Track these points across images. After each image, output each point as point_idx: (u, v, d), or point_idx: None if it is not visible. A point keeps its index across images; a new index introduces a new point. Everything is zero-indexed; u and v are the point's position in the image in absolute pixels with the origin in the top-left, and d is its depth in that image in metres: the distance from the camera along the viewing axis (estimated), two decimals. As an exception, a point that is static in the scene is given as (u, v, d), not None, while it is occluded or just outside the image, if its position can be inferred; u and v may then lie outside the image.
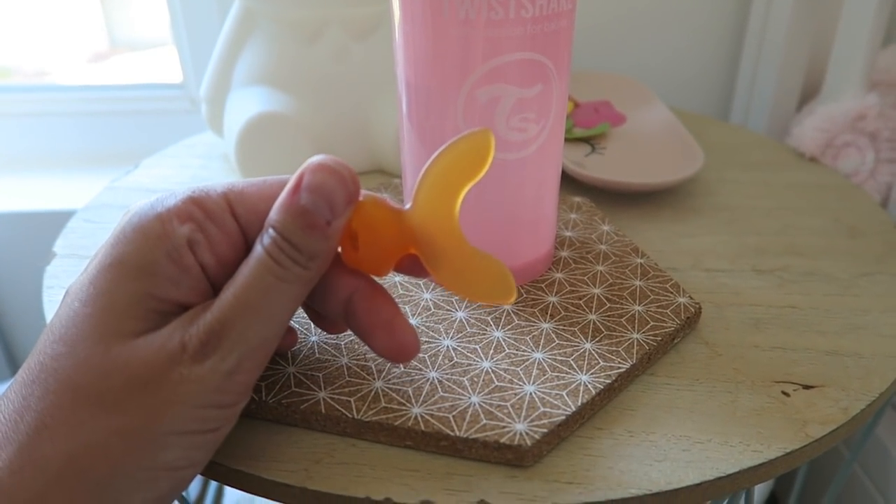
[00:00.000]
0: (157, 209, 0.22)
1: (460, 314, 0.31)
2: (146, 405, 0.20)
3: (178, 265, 0.21)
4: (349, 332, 0.29)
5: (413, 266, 0.25)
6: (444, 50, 0.27)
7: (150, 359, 0.20)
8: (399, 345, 0.24)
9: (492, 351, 0.28)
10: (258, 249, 0.21)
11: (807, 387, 0.28)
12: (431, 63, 0.28)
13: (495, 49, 0.27)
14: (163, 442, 0.20)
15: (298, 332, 0.29)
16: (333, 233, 0.22)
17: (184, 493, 0.58)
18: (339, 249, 0.24)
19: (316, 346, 0.29)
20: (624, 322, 0.30)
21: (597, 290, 0.32)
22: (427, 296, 0.32)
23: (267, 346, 0.22)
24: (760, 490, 0.56)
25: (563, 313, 0.31)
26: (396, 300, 0.31)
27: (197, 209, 0.22)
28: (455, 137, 0.23)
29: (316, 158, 0.22)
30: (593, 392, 0.26)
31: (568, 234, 0.37)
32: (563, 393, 0.26)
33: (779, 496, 0.64)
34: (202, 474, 0.25)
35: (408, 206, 0.24)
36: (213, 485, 0.64)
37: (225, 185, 0.23)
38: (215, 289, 0.22)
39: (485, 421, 0.25)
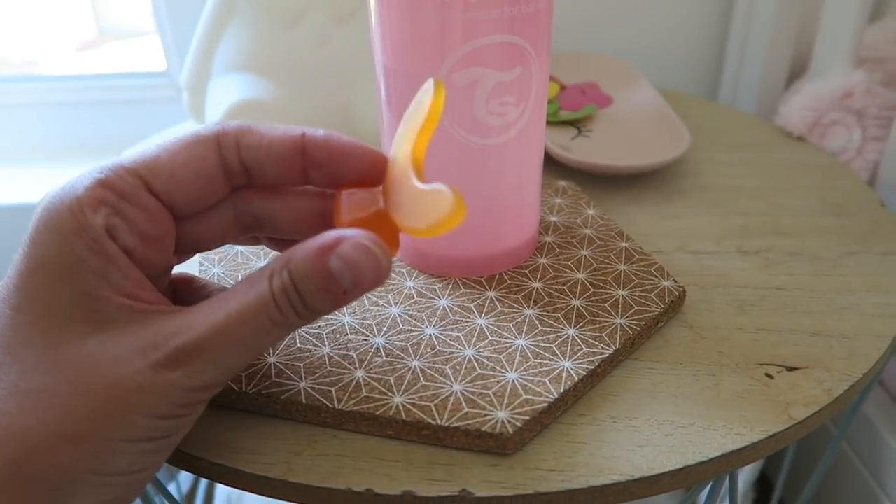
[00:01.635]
0: (66, 200, 0.20)
1: (443, 302, 0.30)
2: (97, 412, 0.19)
3: (101, 256, 0.20)
4: (331, 321, 0.29)
5: None
6: (421, 33, 0.27)
7: (102, 364, 0.19)
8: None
9: (475, 338, 0.28)
10: (264, 287, 0.20)
11: (790, 368, 0.28)
12: (409, 47, 0.27)
13: (472, 32, 0.26)
14: (115, 448, 0.19)
15: None
16: (343, 302, 0.21)
17: (175, 487, 0.58)
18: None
19: (297, 336, 0.28)
20: (608, 307, 0.30)
21: (581, 276, 0.32)
22: (410, 284, 0.32)
23: (236, 371, 0.21)
24: (750, 468, 0.56)
25: (546, 299, 0.31)
26: (378, 288, 0.31)
27: (109, 192, 0.21)
28: (421, 105, 0.22)
29: (361, 235, 0.21)
30: (576, 378, 0.26)
31: (553, 218, 0.37)
32: (546, 380, 0.26)
33: (769, 474, 0.64)
34: (188, 470, 0.24)
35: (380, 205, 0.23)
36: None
37: (134, 159, 0.22)
38: (144, 269, 0.21)
39: (466, 409, 0.25)
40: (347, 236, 0.21)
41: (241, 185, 0.24)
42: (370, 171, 0.24)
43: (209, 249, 0.25)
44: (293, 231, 0.25)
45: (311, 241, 0.21)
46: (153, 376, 0.19)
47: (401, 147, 0.23)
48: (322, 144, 0.23)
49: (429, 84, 0.22)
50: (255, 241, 0.27)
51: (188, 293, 0.26)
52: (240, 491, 0.61)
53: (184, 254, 0.25)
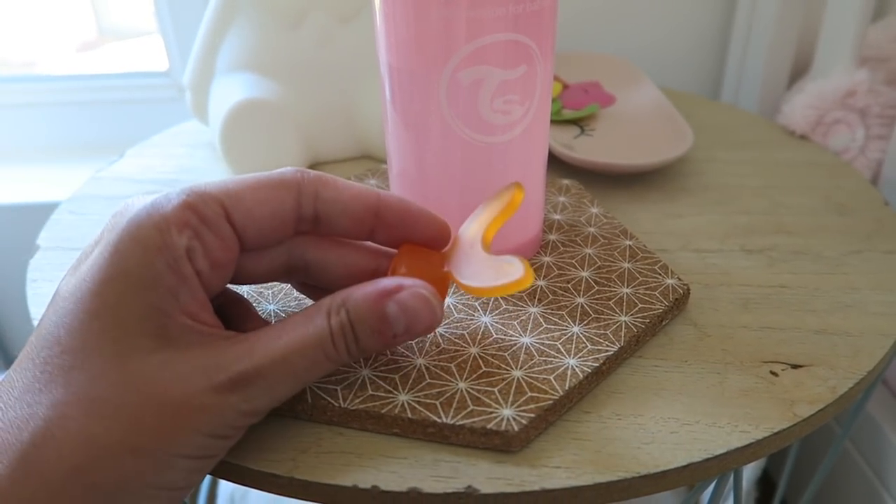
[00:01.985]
0: (154, 217, 0.21)
1: (449, 300, 0.30)
2: (161, 426, 0.20)
3: (177, 276, 0.21)
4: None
5: None
6: (426, 32, 0.27)
7: (170, 381, 0.20)
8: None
9: (479, 336, 0.28)
10: (322, 323, 0.22)
11: (795, 366, 0.28)
12: (413, 45, 0.27)
13: (478, 30, 0.27)
14: (171, 463, 0.20)
15: None
16: (393, 345, 0.23)
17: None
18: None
19: (302, 335, 0.28)
20: (612, 305, 0.30)
21: (585, 273, 0.32)
22: (414, 282, 0.32)
23: (284, 399, 0.22)
24: (753, 467, 0.56)
25: (550, 297, 0.31)
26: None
27: (193, 216, 0.21)
28: (496, 201, 0.26)
29: (420, 284, 0.23)
30: (581, 376, 0.26)
31: (556, 217, 0.37)
32: (551, 377, 0.26)
33: (771, 472, 0.64)
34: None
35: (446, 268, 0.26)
36: (207, 477, 0.64)
37: (219, 187, 0.23)
38: (207, 291, 0.22)
39: (472, 407, 0.25)
40: (407, 284, 0.23)
41: (306, 231, 0.25)
42: (435, 238, 0.26)
43: (253, 284, 0.26)
44: (339, 283, 0.26)
45: (371, 285, 0.23)
46: (215, 397, 0.20)
47: (470, 226, 0.26)
48: (395, 209, 0.25)
49: (506, 188, 0.26)
50: (285, 279, 0.27)
51: (231, 312, 0.26)
52: (243, 489, 0.61)
53: (233, 284, 0.25)
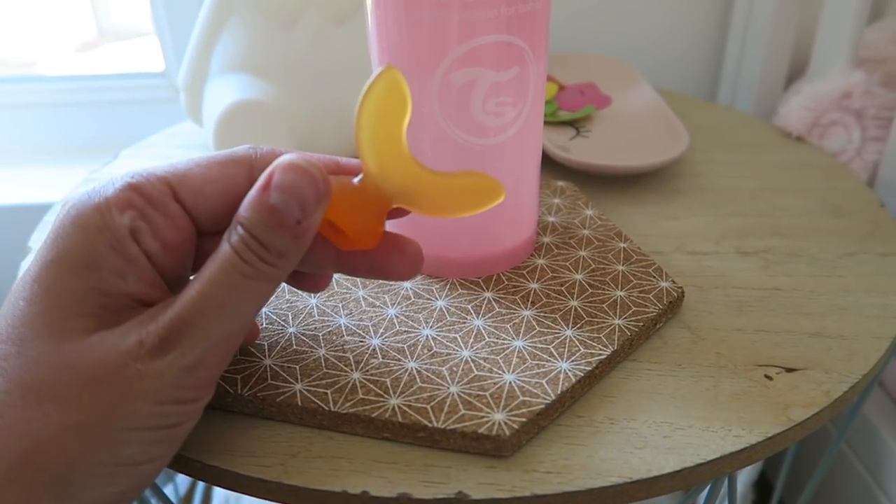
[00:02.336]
0: (95, 199, 0.21)
1: (440, 303, 0.30)
2: (101, 401, 0.19)
3: (122, 256, 0.21)
4: (327, 322, 0.29)
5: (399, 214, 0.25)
6: (418, 33, 0.27)
7: (104, 355, 0.20)
8: (412, 257, 0.25)
9: (472, 340, 0.28)
10: (225, 246, 0.21)
11: (789, 370, 0.28)
12: (405, 47, 0.27)
13: (469, 32, 0.26)
14: (120, 438, 0.20)
15: (276, 324, 0.29)
16: (304, 231, 0.21)
17: (172, 490, 0.58)
18: (326, 237, 0.24)
19: (293, 338, 0.28)
20: (606, 308, 0.30)
21: (579, 276, 0.32)
22: (407, 285, 0.31)
23: (231, 341, 0.21)
24: (749, 470, 0.56)
25: (544, 300, 0.30)
26: (375, 289, 0.31)
27: (137, 196, 0.21)
28: (363, 88, 0.22)
29: (286, 157, 0.21)
30: (573, 380, 0.26)
31: (551, 219, 0.36)
32: (543, 381, 0.26)
33: (768, 475, 0.64)
34: (183, 472, 0.24)
35: (359, 177, 0.23)
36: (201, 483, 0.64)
37: (166, 168, 0.22)
38: (163, 275, 0.22)
39: (463, 411, 0.25)
40: (276, 165, 0.21)
41: None
42: None
43: None
44: (313, 263, 0.25)
45: (252, 189, 0.21)
46: (149, 361, 0.20)
47: (382, 148, 0.23)
48: (356, 172, 0.24)
49: (376, 77, 0.22)
50: None
51: None
52: (238, 494, 0.61)
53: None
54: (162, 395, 0.20)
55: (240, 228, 0.21)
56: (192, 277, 0.22)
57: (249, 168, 0.23)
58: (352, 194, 0.23)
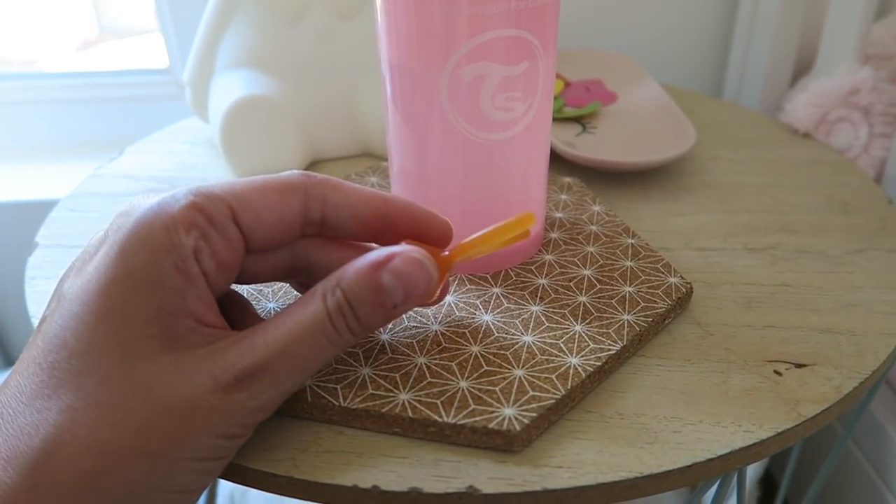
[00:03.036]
0: (162, 217, 0.21)
1: (449, 298, 0.30)
2: (170, 429, 0.20)
3: (184, 276, 0.21)
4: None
5: None
6: (427, 28, 0.27)
7: (177, 384, 0.20)
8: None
9: (480, 335, 0.28)
10: (319, 306, 0.22)
11: (799, 365, 0.28)
12: (414, 42, 0.27)
13: (479, 26, 0.26)
14: (181, 466, 0.20)
15: None
16: (396, 315, 0.23)
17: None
18: None
19: (302, 334, 0.28)
20: (614, 303, 0.30)
21: (587, 272, 0.32)
22: (415, 280, 0.31)
23: (293, 391, 0.22)
24: (754, 467, 0.56)
25: (552, 296, 0.30)
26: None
27: (200, 216, 0.21)
28: (507, 221, 0.26)
29: (412, 249, 0.23)
30: (583, 375, 0.26)
31: (558, 215, 0.36)
32: (553, 376, 0.26)
33: (773, 472, 0.64)
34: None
35: (445, 253, 0.26)
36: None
37: (226, 189, 0.22)
38: (213, 292, 0.22)
39: (473, 406, 0.25)
40: (398, 252, 0.22)
41: (312, 234, 0.25)
42: (439, 238, 0.26)
43: (254, 283, 0.26)
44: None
45: (362, 260, 0.22)
46: (222, 397, 0.20)
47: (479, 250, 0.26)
48: (402, 211, 0.25)
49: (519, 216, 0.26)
50: (287, 279, 0.27)
51: (230, 311, 0.26)
52: (243, 488, 0.61)
53: (237, 284, 0.25)
54: (225, 430, 0.20)
55: (339, 293, 0.22)
56: (253, 312, 0.24)
57: (304, 196, 0.24)
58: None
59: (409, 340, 0.28)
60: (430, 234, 0.26)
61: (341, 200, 0.24)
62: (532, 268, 0.32)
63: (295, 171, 0.24)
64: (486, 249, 0.26)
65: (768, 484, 0.64)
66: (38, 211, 0.65)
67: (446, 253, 0.26)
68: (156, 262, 0.20)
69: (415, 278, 0.22)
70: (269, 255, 0.25)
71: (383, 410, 0.25)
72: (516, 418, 0.24)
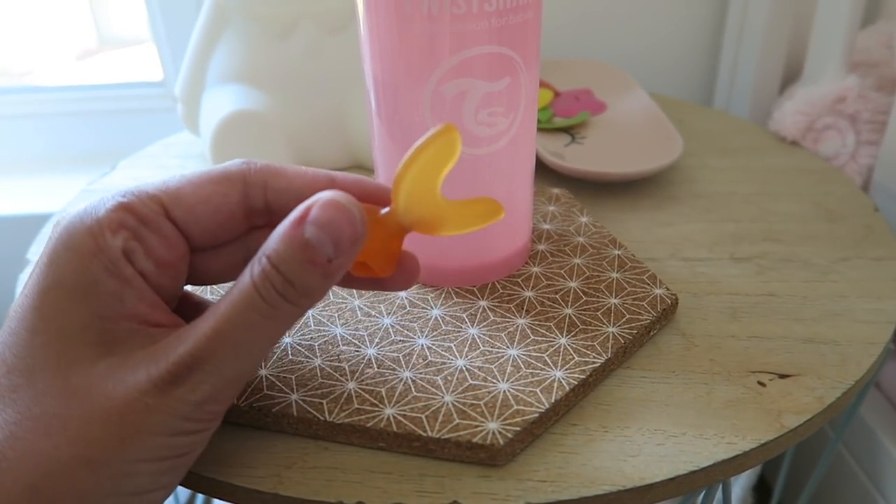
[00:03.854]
0: (87, 222, 0.21)
1: (436, 312, 0.30)
2: (111, 435, 0.19)
3: (118, 279, 0.21)
4: (323, 332, 0.29)
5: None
6: (409, 45, 0.27)
7: (113, 388, 0.20)
8: (409, 270, 0.25)
9: (466, 349, 0.28)
10: (246, 281, 0.20)
11: (783, 376, 0.28)
12: (397, 58, 0.27)
13: (460, 43, 0.27)
14: (131, 470, 0.20)
15: None
16: (334, 271, 0.21)
17: (172, 500, 0.58)
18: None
19: (289, 348, 0.28)
20: (600, 315, 0.30)
21: (573, 284, 0.32)
22: (402, 294, 0.32)
23: (243, 377, 0.21)
24: (748, 474, 0.56)
25: (539, 308, 0.31)
26: (371, 299, 0.31)
27: (129, 216, 0.21)
28: (422, 139, 0.22)
29: (326, 194, 0.20)
30: (567, 388, 0.26)
31: (546, 226, 0.37)
32: (537, 390, 0.26)
33: (767, 476, 0.64)
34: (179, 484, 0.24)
35: (386, 210, 0.23)
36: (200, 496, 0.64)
37: (157, 186, 0.22)
38: (159, 293, 0.22)
39: (458, 420, 0.25)
40: (314, 201, 0.20)
41: (261, 224, 0.24)
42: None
43: (215, 283, 0.25)
44: None
45: (283, 222, 0.20)
46: (158, 396, 0.20)
47: (418, 192, 0.23)
48: (351, 188, 0.24)
49: (437, 132, 0.23)
50: None
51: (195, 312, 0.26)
52: None
53: (194, 283, 0.25)
54: (170, 428, 0.20)
55: (265, 261, 0.20)
56: (210, 302, 0.22)
57: (243, 184, 0.23)
58: (374, 225, 0.23)
59: (395, 354, 0.28)
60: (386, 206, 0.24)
61: (284, 185, 0.23)
62: (519, 280, 0.32)
63: (235, 161, 0.23)
64: (427, 191, 0.23)
65: (762, 490, 0.64)
66: (30, 225, 0.65)
67: (387, 210, 0.23)
68: (85, 267, 0.20)
69: (338, 223, 0.20)
70: (220, 250, 0.24)
71: (368, 425, 0.25)
72: (500, 432, 0.24)
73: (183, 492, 0.63)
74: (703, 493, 0.28)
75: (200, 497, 0.61)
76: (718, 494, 0.29)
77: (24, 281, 0.36)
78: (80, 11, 0.82)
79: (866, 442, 0.49)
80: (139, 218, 0.21)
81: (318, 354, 0.28)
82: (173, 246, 0.22)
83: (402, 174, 0.23)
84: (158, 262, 0.22)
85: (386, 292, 0.32)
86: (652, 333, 0.30)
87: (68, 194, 0.66)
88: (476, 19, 0.26)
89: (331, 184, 0.24)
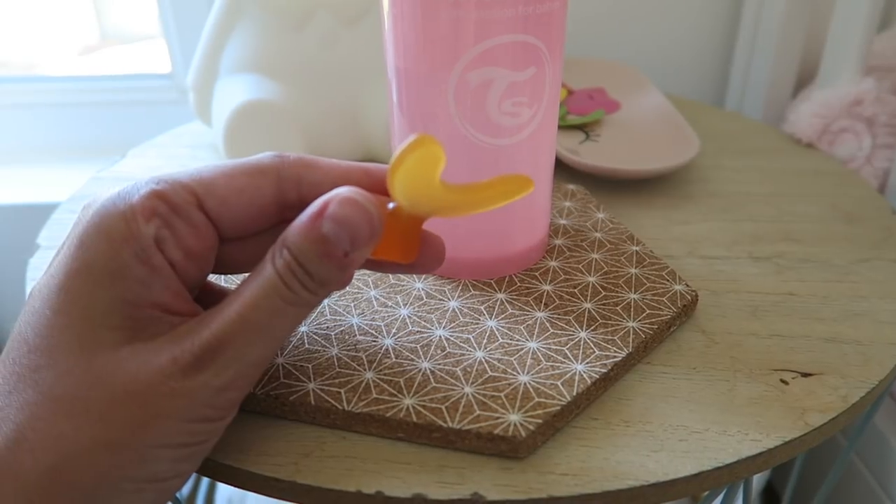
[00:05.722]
0: (121, 207, 0.20)
1: (453, 303, 0.30)
2: (133, 418, 0.19)
3: (147, 266, 0.20)
4: (339, 322, 0.29)
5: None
6: (435, 33, 0.27)
7: (136, 371, 0.19)
8: (435, 249, 0.25)
9: (485, 340, 0.28)
10: (269, 269, 0.20)
11: (805, 374, 0.28)
12: (421, 47, 0.27)
13: (486, 31, 0.26)
14: (150, 454, 0.19)
15: None
16: (350, 263, 0.21)
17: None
18: None
19: (305, 337, 0.28)
20: (619, 310, 0.30)
21: (592, 279, 0.32)
22: (419, 285, 0.31)
23: (262, 363, 0.21)
24: (757, 478, 0.55)
25: (557, 302, 0.30)
26: (387, 289, 0.31)
27: (162, 204, 0.21)
28: (397, 152, 0.21)
29: (344, 190, 0.21)
30: (588, 381, 0.26)
31: (562, 221, 0.36)
32: (558, 383, 0.26)
33: (775, 485, 0.64)
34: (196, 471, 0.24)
35: (392, 205, 0.23)
36: (206, 480, 0.63)
37: (191, 175, 0.22)
38: (184, 282, 0.22)
39: (478, 412, 0.24)
40: (332, 197, 0.21)
41: (293, 218, 0.24)
42: None
43: (240, 272, 0.25)
44: None
45: (302, 215, 0.21)
46: (183, 380, 0.19)
47: (416, 192, 0.23)
48: (384, 179, 0.23)
49: (413, 143, 0.22)
50: None
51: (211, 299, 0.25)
52: (242, 492, 0.61)
53: (218, 273, 0.25)
54: (192, 414, 0.20)
55: (286, 253, 0.20)
56: (233, 289, 0.21)
57: (277, 178, 0.23)
58: (389, 217, 0.23)
59: (412, 345, 0.28)
60: None
61: (319, 179, 0.23)
62: (536, 274, 0.32)
63: (267, 153, 0.23)
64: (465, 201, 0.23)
65: (770, 496, 0.63)
66: (39, 214, 0.65)
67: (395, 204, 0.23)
68: (116, 252, 0.20)
69: (354, 219, 0.20)
70: (248, 241, 0.24)
71: (388, 415, 0.24)
72: (521, 424, 0.24)
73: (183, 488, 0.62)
74: (723, 492, 0.27)
75: (204, 485, 0.61)
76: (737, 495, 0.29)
77: (37, 265, 0.36)
78: (83, 7, 0.81)
79: (878, 450, 0.49)
80: (172, 207, 0.21)
81: (334, 344, 0.28)
82: (203, 236, 0.22)
83: (390, 179, 0.22)
84: (187, 252, 0.21)
85: (402, 283, 0.31)
86: (672, 329, 0.30)
87: (75, 184, 0.66)
88: (503, 7, 0.26)
89: (365, 176, 0.24)
